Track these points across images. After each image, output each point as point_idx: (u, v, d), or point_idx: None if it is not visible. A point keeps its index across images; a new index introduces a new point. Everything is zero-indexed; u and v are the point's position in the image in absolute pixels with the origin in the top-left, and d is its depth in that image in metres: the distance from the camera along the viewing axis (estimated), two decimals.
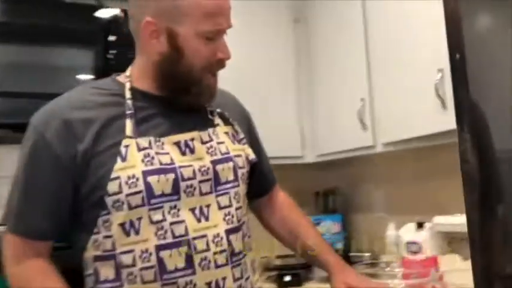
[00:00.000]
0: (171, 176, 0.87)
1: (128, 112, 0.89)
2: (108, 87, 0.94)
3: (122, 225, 0.85)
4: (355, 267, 1.70)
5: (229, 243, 0.90)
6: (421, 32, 1.44)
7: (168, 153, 0.88)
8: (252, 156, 0.99)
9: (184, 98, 0.93)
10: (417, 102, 1.45)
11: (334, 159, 1.99)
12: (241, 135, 1.00)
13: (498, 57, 0.77)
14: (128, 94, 0.91)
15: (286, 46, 2.10)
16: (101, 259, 0.88)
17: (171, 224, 0.86)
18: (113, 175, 0.85)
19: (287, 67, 2.10)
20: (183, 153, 0.90)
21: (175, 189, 0.87)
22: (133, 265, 0.85)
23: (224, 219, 0.91)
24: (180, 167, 0.88)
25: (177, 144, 0.90)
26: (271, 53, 2.06)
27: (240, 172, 0.95)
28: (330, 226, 2.04)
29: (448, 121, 1.37)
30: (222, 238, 0.89)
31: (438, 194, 1.74)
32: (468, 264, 1.38)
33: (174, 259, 0.85)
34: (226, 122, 1.00)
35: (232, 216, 0.92)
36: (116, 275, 0.86)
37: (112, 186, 0.85)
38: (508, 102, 0.76)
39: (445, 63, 1.34)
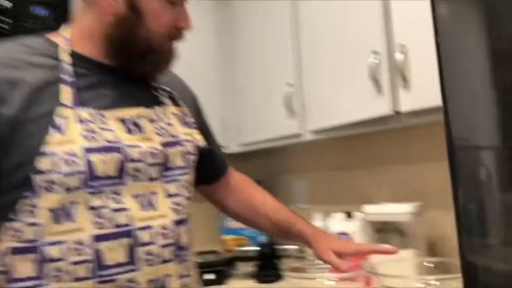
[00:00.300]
0: (117, 156, 0.75)
1: (65, 78, 0.77)
2: (41, 47, 0.80)
3: (52, 210, 0.72)
4: (282, 261, 1.62)
5: (178, 236, 0.80)
6: (353, 13, 1.37)
7: (112, 130, 0.76)
8: (202, 142, 0.91)
9: (138, 67, 0.82)
10: (349, 87, 1.38)
11: (258, 149, 1.89)
12: (191, 119, 0.91)
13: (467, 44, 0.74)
14: (65, 57, 0.79)
15: (208, 26, 1.95)
16: (18, 252, 0.73)
17: (113, 211, 0.74)
18: (46, 149, 0.72)
19: (208, 49, 1.96)
20: (129, 131, 0.78)
21: (121, 172, 0.76)
22: (63, 259, 0.72)
23: (172, 209, 0.80)
24: (127, 146, 0.76)
25: (122, 120, 0.78)
26: (191, 33, 1.91)
27: (190, 158, 0.86)
28: None
29: (382, 106, 1.33)
30: (170, 230, 0.79)
31: (365, 184, 1.72)
32: (400, 254, 1.34)
33: (114, 252, 0.74)
34: (175, 102, 0.90)
35: (182, 207, 0.82)
36: (38, 271, 0.72)
37: (43, 163, 0.71)
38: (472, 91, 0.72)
39: (381, 46, 1.30)
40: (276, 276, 1.58)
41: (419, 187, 1.55)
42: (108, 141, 0.75)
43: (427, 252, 1.38)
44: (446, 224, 1.48)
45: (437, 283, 1.11)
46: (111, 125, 0.77)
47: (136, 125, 0.80)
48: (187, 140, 0.87)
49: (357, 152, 1.74)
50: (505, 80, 0.66)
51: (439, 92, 1.18)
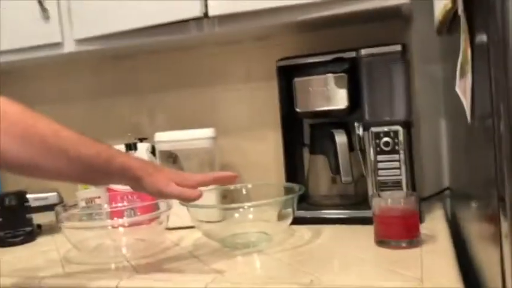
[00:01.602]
0: None
1: None
2: None
3: None
4: (37, 214, 1.22)
5: None
6: None
7: None
8: None
9: None
10: None
11: None
12: None
13: None
14: None
15: None
16: None
17: None
18: None
19: None
20: None
21: None
22: None
23: None
24: None
25: None
26: None
27: None
28: None
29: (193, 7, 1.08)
30: None
31: (133, 111, 1.47)
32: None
33: None
34: None
35: None
36: None
37: None
38: None
39: None
40: (29, 235, 1.18)
41: (195, 113, 1.41)
42: None
43: None
44: (231, 151, 1.40)
45: (252, 209, 1.00)
46: None
47: None
48: None
49: (118, 74, 1.46)
50: None
51: None
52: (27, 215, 1.19)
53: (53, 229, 1.25)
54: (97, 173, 0.77)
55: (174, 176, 0.81)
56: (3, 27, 1.23)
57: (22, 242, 1.16)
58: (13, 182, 1.50)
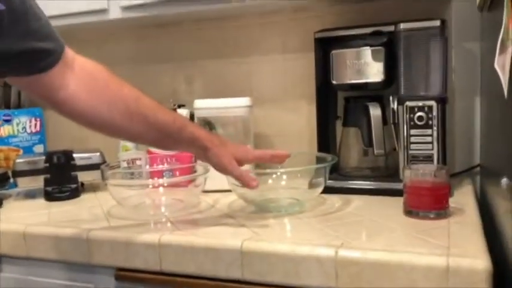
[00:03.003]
0: None
1: None
2: None
3: None
4: (82, 173, 1.29)
5: None
6: None
7: None
8: None
9: None
10: None
11: None
12: None
13: None
14: None
15: None
16: None
17: None
18: None
19: None
20: None
21: None
22: None
23: None
24: None
25: None
26: None
27: None
28: (27, 124, 1.50)
29: None
30: None
31: (172, 78, 1.51)
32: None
33: None
34: None
35: None
36: None
37: None
38: None
39: None
40: (74, 191, 1.26)
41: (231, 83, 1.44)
42: None
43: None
44: (265, 121, 1.44)
45: (284, 176, 1.04)
46: None
47: None
48: None
49: (158, 43, 1.50)
50: None
51: None
52: (73, 173, 1.27)
53: (95, 187, 1.33)
54: (170, 138, 0.82)
55: (236, 151, 0.86)
56: None
57: (68, 198, 1.24)
58: (55, 143, 1.59)
